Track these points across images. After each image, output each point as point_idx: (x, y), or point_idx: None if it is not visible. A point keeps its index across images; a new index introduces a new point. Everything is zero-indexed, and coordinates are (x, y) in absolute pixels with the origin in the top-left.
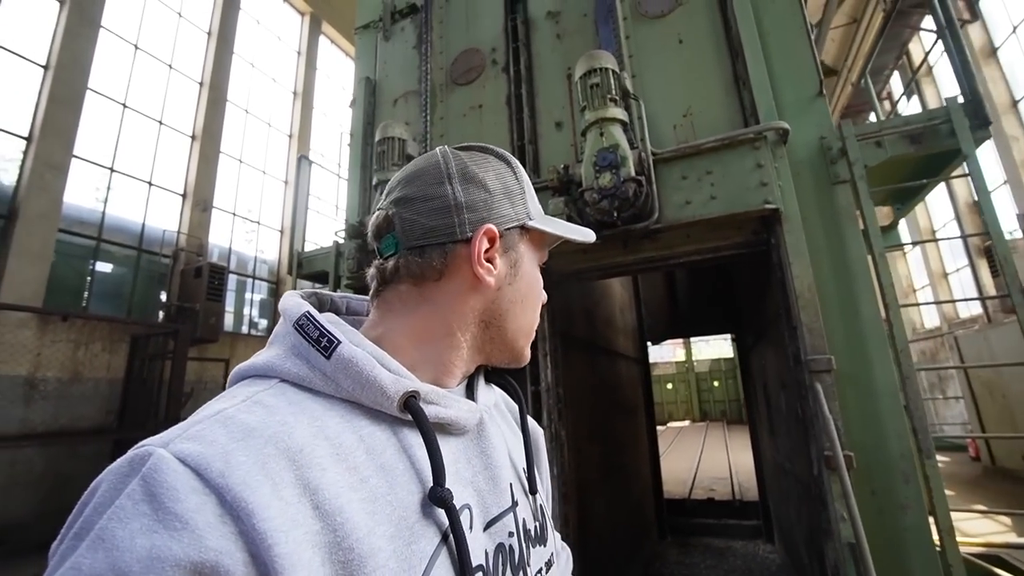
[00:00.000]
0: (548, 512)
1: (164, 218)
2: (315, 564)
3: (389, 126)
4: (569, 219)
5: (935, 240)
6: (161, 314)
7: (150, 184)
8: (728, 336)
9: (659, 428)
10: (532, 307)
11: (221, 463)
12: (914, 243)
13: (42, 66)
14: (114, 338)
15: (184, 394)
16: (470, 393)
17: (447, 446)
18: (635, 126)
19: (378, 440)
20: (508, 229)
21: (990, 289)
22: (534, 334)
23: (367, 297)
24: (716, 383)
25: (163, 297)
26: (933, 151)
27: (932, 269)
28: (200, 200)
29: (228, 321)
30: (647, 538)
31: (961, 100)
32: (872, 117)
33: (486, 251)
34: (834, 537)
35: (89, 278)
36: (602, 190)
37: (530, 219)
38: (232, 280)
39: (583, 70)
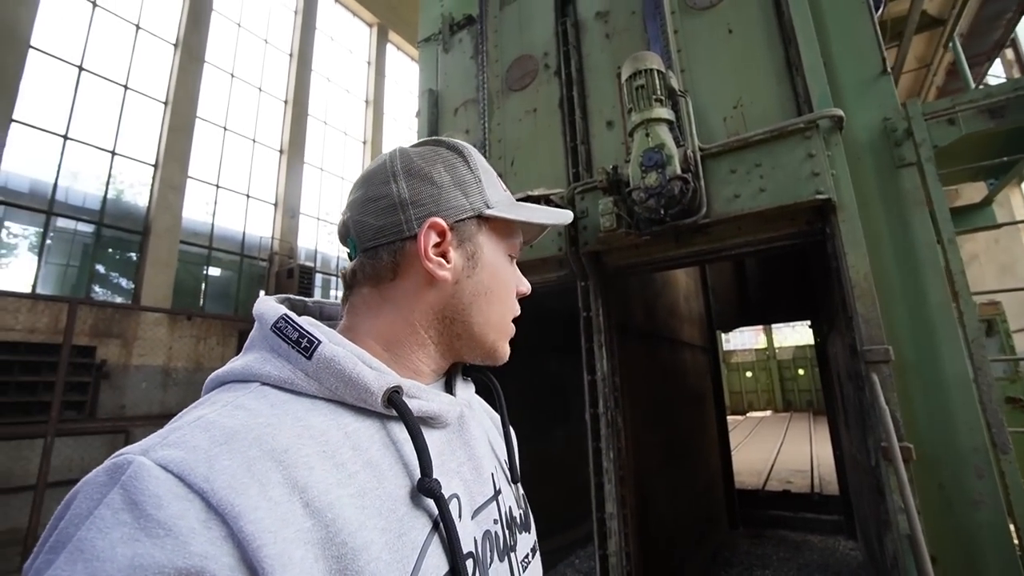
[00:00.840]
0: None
1: (260, 226)
2: (308, 561)
3: (451, 136)
4: (619, 218)
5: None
6: None
7: (248, 196)
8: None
9: (737, 418)
10: (500, 299)
11: (205, 468)
12: (998, 225)
13: (162, 102)
14: (225, 333)
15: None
16: (449, 388)
17: (431, 439)
18: (683, 122)
19: (363, 436)
20: (460, 221)
21: None
22: (511, 327)
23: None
24: (801, 371)
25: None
26: (1019, 124)
27: None
28: (289, 208)
29: None
30: (715, 526)
31: None
32: (998, 70)
33: (436, 245)
34: (893, 528)
35: (203, 282)
36: (648, 189)
37: (488, 207)
38: (318, 278)
39: (629, 72)
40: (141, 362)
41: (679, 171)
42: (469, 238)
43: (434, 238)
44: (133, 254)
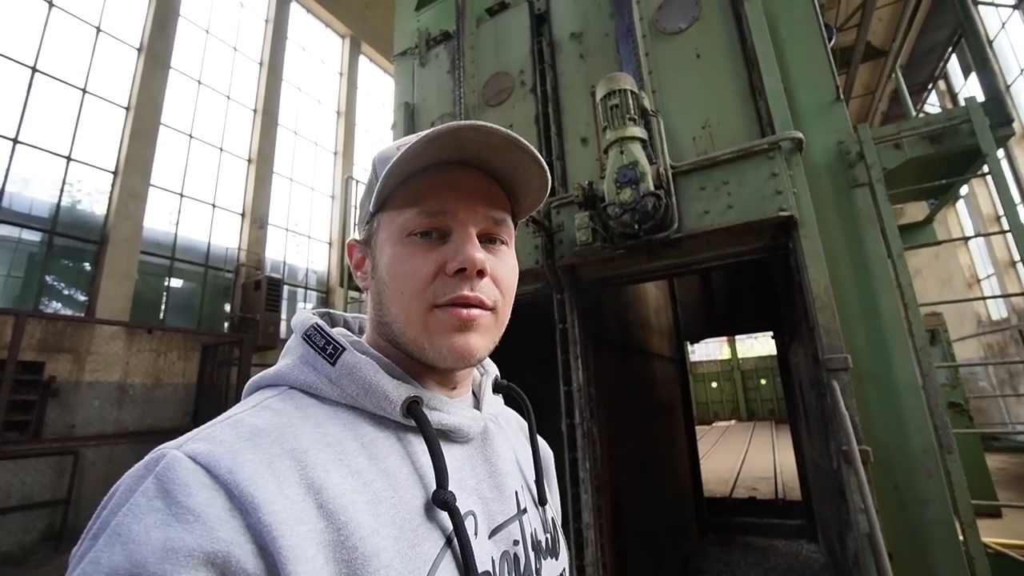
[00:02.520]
0: (560, 526)
1: (226, 236)
2: (319, 561)
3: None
4: (594, 232)
5: (962, 239)
6: (226, 324)
7: (214, 206)
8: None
9: (704, 428)
10: (398, 288)
11: (229, 460)
12: (939, 242)
13: (124, 107)
14: (187, 347)
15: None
16: (477, 401)
17: (451, 453)
18: (655, 141)
19: (381, 446)
20: (364, 227)
21: None
22: (433, 318)
23: None
24: (763, 381)
25: (227, 309)
26: (954, 151)
27: (998, 258)
28: (257, 218)
29: (282, 328)
30: (686, 535)
31: (981, 99)
32: (935, 99)
33: (357, 260)
34: (853, 527)
35: (165, 294)
36: (623, 205)
37: (373, 202)
38: (284, 290)
39: (603, 92)
40: (94, 378)
41: (652, 187)
42: (373, 239)
43: (356, 256)
44: (88, 264)
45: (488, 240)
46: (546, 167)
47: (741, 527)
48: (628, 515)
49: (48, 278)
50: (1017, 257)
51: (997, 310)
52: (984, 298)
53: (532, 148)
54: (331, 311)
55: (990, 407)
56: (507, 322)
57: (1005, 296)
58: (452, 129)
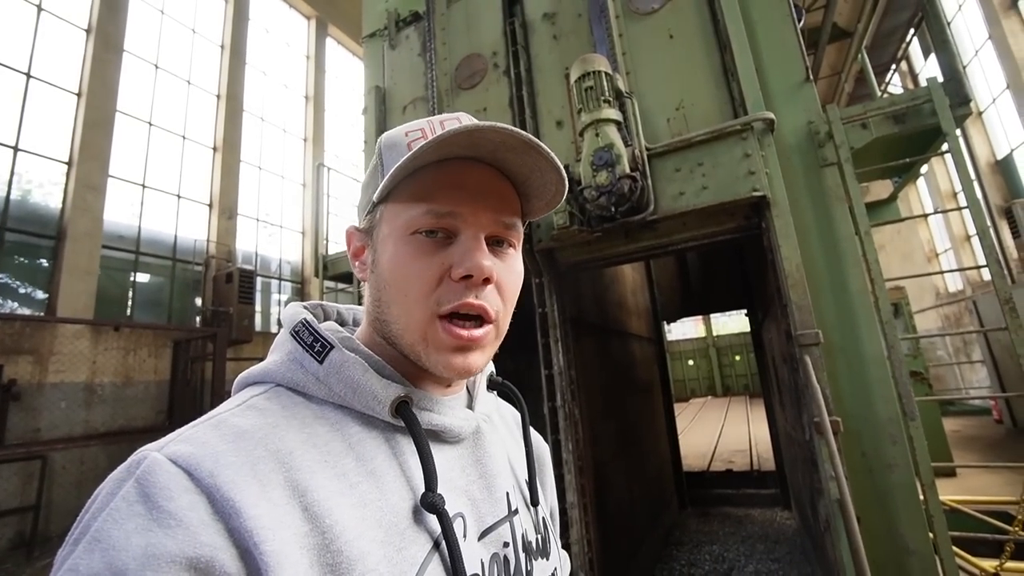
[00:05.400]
0: (552, 525)
1: (194, 228)
2: (303, 565)
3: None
4: (571, 215)
5: (923, 216)
6: (198, 319)
7: (179, 197)
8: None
9: (681, 404)
10: (399, 289)
11: (211, 463)
12: (903, 219)
13: (75, 93)
14: (158, 344)
15: (226, 392)
16: (470, 398)
17: (441, 454)
18: (630, 123)
19: (368, 447)
20: (366, 216)
21: (1013, 252)
22: (433, 330)
23: None
24: (737, 357)
25: (198, 303)
26: (917, 130)
27: (954, 233)
28: (225, 208)
29: (257, 321)
30: (667, 508)
31: (941, 80)
32: (901, 80)
33: (359, 249)
34: (825, 495)
35: (131, 289)
36: (600, 187)
37: (376, 191)
38: (257, 281)
39: (577, 74)
40: (59, 379)
41: (628, 170)
42: (376, 231)
43: (354, 244)
44: (45, 261)
45: (496, 243)
46: (564, 173)
47: (719, 499)
48: (611, 493)
49: (1, 276)
50: (972, 232)
51: (953, 283)
52: (942, 272)
53: (552, 154)
54: (324, 303)
55: (946, 374)
56: (506, 331)
57: (961, 270)
58: (472, 129)
